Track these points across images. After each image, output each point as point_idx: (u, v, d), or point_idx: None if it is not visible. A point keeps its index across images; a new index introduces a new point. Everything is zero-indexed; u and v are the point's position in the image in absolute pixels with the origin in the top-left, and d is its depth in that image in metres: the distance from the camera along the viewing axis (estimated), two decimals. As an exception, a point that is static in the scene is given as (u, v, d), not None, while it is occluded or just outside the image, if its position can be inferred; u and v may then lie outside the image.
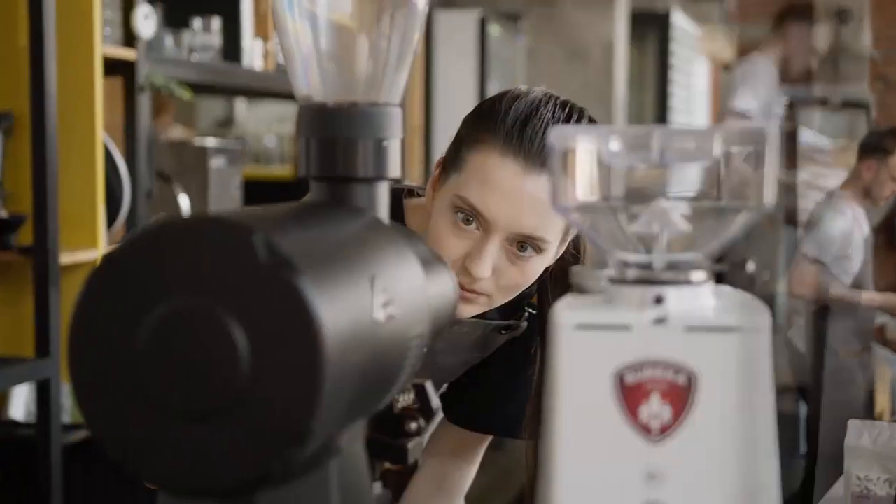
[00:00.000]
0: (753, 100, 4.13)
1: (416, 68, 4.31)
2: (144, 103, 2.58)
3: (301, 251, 0.61)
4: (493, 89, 6.21)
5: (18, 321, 2.37)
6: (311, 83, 0.78)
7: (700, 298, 0.68)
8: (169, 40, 2.85)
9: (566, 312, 0.68)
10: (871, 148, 4.12)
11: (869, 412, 4.06)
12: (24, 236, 2.33)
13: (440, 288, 0.83)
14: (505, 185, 1.20)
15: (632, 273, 0.69)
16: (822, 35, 4.35)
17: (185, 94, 2.66)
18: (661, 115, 6.96)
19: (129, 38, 2.57)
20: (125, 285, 0.61)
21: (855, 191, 4.14)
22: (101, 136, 2.42)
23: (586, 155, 0.69)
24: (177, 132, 4.72)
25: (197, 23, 2.95)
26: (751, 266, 3.65)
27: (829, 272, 3.95)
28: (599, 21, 5.28)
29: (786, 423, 3.83)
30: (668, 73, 6.97)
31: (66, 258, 2.35)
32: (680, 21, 7.16)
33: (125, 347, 0.61)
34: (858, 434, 1.86)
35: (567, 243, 1.32)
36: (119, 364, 0.61)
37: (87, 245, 2.40)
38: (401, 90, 0.80)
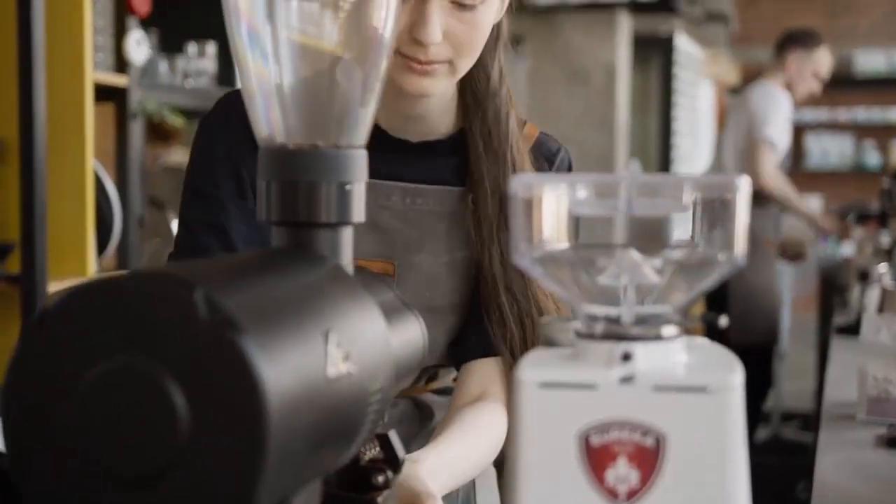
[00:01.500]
0: (780, 129, 4.15)
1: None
2: (136, 130, 2.55)
3: (246, 307, 0.58)
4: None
5: (6, 350, 2.34)
6: (272, 124, 0.76)
7: (670, 355, 0.65)
8: (163, 65, 2.83)
9: (530, 369, 0.65)
10: (798, 42, 4.21)
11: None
12: (12, 264, 2.31)
13: (405, 336, 0.80)
14: None
15: (599, 327, 0.66)
16: (824, 59, 4.33)
17: (178, 121, 2.63)
18: (665, 138, 6.93)
19: (122, 65, 2.55)
20: (62, 343, 0.58)
21: (777, 82, 4.23)
22: (91, 162, 2.40)
23: (552, 203, 0.66)
24: (178, 155, 4.70)
25: (192, 48, 2.93)
26: (723, 321, 3.69)
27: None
28: (601, 45, 5.26)
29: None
30: (672, 96, 6.95)
31: (54, 287, 2.32)
32: (683, 44, 7.15)
33: (61, 407, 0.58)
34: (875, 329, 1.66)
35: None
36: (54, 424, 0.58)
37: (77, 273, 2.37)
38: (366, 131, 0.77)
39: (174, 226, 2.88)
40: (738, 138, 4.26)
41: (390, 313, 0.77)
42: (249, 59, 0.76)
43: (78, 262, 2.39)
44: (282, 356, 0.58)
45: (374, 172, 1.26)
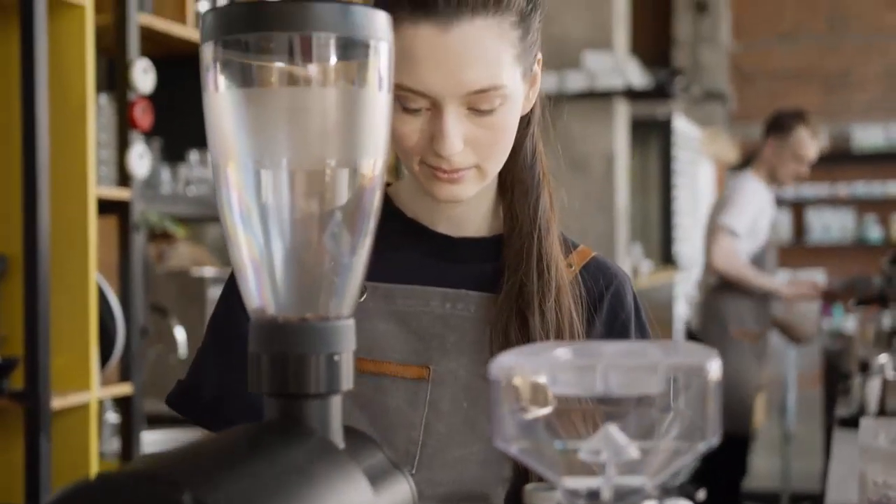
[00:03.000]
0: (741, 218, 4.15)
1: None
2: (138, 242, 2.59)
3: (234, 502, 0.60)
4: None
5: (9, 468, 2.35)
6: (263, 297, 0.78)
7: (650, 530, 0.67)
8: (166, 173, 2.88)
9: (512, 549, 0.66)
10: (773, 127, 4.25)
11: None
12: (16, 380, 2.33)
13: (394, 499, 0.82)
14: (428, 52, 1.10)
15: (580, 504, 0.68)
16: (802, 140, 4.27)
17: (179, 232, 2.67)
18: (666, 219, 6.98)
19: (124, 178, 2.59)
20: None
21: (760, 171, 4.23)
22: (94, 277, 2.43)
23: (530, 385, 0.68)
24: (184, 249, 4.74)
25: (193, 156, 2.99)
26: (701, 495, 3.68)
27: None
28: (600, 132, 5.32)
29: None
30: (672, 177, 7.01)
31: (58, 402, 2.33)
32: (682, 125, 7.22)
33: None
34: (873, 433, 1.66)
35: (537, 77, 1.22)
36: None
37: (80, 388, 2.39)
38: (354, 301, 0.79)
39: (177, 332, 2.90)
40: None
41: (378, 478, 0.78)
42: (240, 233, 0.78)
43: (81, 377, 2.41)
44: (269, 551, 0.60)
45: (415, 274, 1.23)
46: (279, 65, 0.86)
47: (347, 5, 0.75)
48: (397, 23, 1.10)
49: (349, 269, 0.79)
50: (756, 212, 4.19)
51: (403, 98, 1.12)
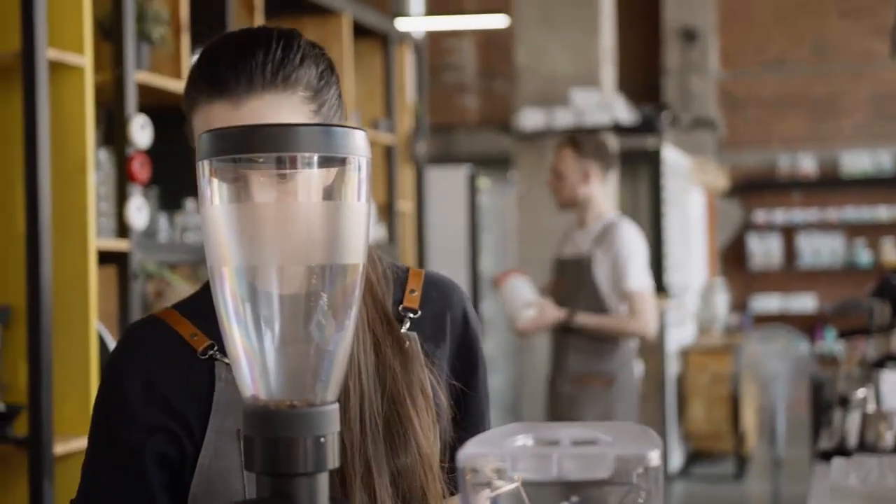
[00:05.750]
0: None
1: (408, 225, 4.44)
2: (137, 291, 2.68)
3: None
4: (485, 239, 6.34)
5: (14, 515, 2.43)
6: (255, 385, 0.86)
7: None
8: (164, 222, 2.97)
9: None
10: None
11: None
12: (20, 427, 2.40)
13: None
14: (224, 124, 1.16)
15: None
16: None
17: (176, 280, 2.76)
18: (657, 249, 7.05)
19: (123, 228, 2.68)
20: None
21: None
22: (94, 325, 2.51)
23: (493, 470, 0.76)
24: (181, 288, 4.80)
25: (190, 203, 3.08)
26: None
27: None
28: (588, 166, 5.39)
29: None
30: (662, 206, 7.09)
31: (60, 447, 2.41)
32: (671, 155, 7.31)
33: None
34: (844, 474, 1.74)
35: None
36: None
37: (83, 433, 2.46)
38: (338, 386, 0.88)
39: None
40: None
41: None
42: (235, 327, 0.87)
43: (84, 423, 2.48)
44: None
45: None
46: (268, 181, 0.95)
47: (328, 127, 0.84)
48: (196, 105, 1.20)
49: (333, 358, 0.87)
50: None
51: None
